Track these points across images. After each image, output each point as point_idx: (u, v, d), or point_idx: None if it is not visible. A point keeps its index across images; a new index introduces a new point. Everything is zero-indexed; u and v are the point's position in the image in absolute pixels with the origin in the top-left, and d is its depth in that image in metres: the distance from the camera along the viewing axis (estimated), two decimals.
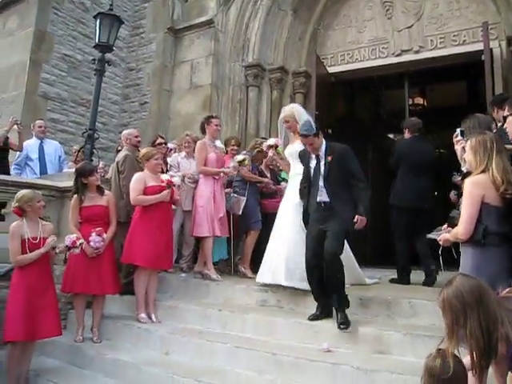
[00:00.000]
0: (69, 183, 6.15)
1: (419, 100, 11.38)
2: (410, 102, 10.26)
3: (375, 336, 4.07)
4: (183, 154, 6.27)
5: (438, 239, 3.29)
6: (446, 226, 3.43)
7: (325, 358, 3.90)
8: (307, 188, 4.69)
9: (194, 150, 6.22)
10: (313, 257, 4.44)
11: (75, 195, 5.26)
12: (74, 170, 6.56)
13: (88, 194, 5.23)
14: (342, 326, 4.17)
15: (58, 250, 4.72)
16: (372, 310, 4.53)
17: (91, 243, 5.00)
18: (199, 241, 6.00)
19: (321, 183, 4.52)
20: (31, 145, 7.52)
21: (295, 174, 5.22)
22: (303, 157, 4.77)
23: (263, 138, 7.10)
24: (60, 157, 7.79)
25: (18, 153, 7.36)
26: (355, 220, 4.31)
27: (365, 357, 3.92)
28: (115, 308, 5.52)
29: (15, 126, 6.71)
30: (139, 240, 5.11)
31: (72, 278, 5.07)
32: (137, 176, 5.38)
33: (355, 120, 10.48)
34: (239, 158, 5.99)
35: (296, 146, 5.17)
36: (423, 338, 3.85)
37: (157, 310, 5.22)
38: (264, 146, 6.12)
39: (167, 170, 6.19)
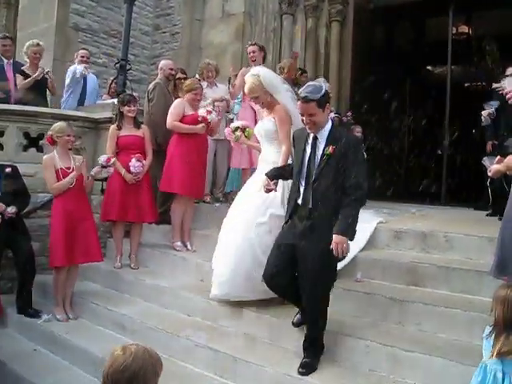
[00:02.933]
0: (103, 114, 6.20)
1: (464, 28, 10.72)
2: (454, 31, 9.67)
3: (409, 268, 4.06)
4: (205, 83, 6.17)
5: (488, 170, 3.12)
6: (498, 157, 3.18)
7: (358, 288, 3.95)
8: (285, 177, 3.68)
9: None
10: (275, 276, 3.43)
11: (113, 125, 5.31)
12: (107, 101, 6.60)
13: (126, 124, 5.27)
14: (301, 370, 3.26)
15: (93, 173, 4.84)
16: (406, 242, 4.49)
17: (131, 168, 5.08)
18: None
19: (306, 179, 3.30)
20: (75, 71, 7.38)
21: (263, 161, 4.16)
22: (299, 138, 3.45)
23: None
24: (96, 89, 7.76)
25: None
26: (332, 245, 3.08)
27: (398, 288, 3.94)
28: (152, 237, 5.67)
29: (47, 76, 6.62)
30: (177, 169, 5.19)
31: (110, 206, 5.20)
32: (176, 102, 5.44)
33: (394, 50, 10.03)
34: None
35: (266, 123, 4.11)
36: (459, 272, 3.83)
37: (192, 239, 5.33)
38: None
39: None
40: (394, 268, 4.10)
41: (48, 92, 6.98)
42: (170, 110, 5.34)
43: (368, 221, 4.63)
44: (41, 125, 6.04)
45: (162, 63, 6.41)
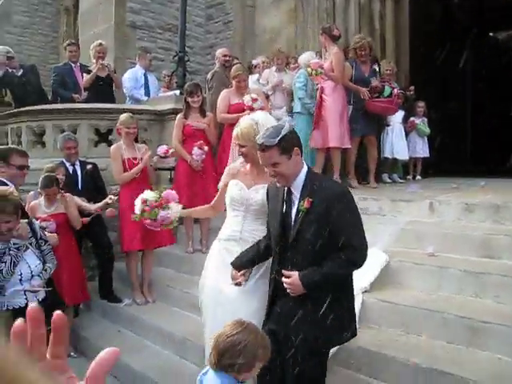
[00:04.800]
0: (166, 106, 6.42)
1: None
2: None
3: (482, 241, 3.97)
4: (274, 68, 6.22)
5: None
6: None
7: (430, 262, 3.91)
8: (256, 261, 2.95)
9: (285, 65, 6.30)
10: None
11: (180, 114, 5.50)
12: (169, 93, 6.82)
13: (192, 113, 5.43)
14: None
15: (152, 163, 5.07)
16: (478, 215, 4.39)
17: (193, 156, 5.24)
18: None
19: (282, 245, 2.66)
20: (136, 73, 7.77)
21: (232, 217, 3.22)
22: (273, 196, 2.80)
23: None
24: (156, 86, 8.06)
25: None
26: (285, 279, 2.54)
27: (472, 261, 3.87)
28: (221, 222, 5.80)
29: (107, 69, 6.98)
30: (227, 157, 5.31)
31: (178, 193, 5.39)
32: (222, 94, 5.58)
33: (452, 19, 9.67)
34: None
35: (255, 191, 3.11)
36: None
37: None
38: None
39: None
40: (467, 241, 4.02)
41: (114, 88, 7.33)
42: (217, 104, 5.49)
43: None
44: (109, 120, 6.34)
45: (217, 52, 6.63)
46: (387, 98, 5.86)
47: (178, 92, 6.59)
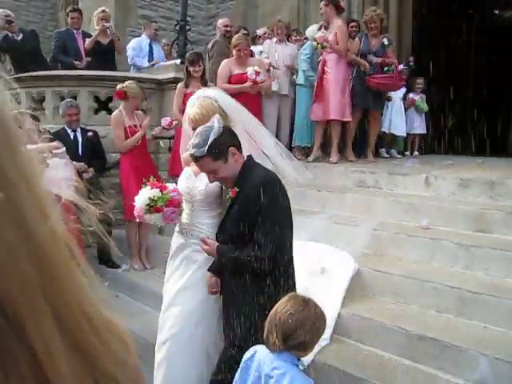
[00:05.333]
0: (167, 75, 6.40)
1: None
2: None
3: (476, 215, 4.04)
4: (275, 39, 6.19)
5: None
6: None
7: (424, 234, 3.99)
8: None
9: (286, 36, 6.25)
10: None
11: (181, 83, 5.50)
12: (170, 62, 6.79)
13: (193, 82, 5.42)
14: None
15: (154, 133, 5.11)
16: (473, 190, 4.46)
17: None
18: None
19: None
20: (141, 42, 7.74)
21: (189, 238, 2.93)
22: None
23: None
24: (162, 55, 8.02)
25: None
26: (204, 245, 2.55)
27: (465, 234, 3.95)
28: None
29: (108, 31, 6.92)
30: None
31: (176, 163, 5.42)
32: (222, 63, 5.57)
33: None
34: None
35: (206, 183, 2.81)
36: None
37: None
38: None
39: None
40: (461, 215, 4.10)
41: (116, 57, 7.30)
42: (217, 73, 5.49)
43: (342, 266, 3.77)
44: (109, 88, 6.32)
45: (218, 22, 6.62)
46: (387, 74, 5.85)
47: (178, 61, 6.57)
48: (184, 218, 2.90)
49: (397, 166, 5.61)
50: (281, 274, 2.41)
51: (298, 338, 1.79)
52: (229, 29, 6.51)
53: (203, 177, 2.71)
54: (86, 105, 6.30)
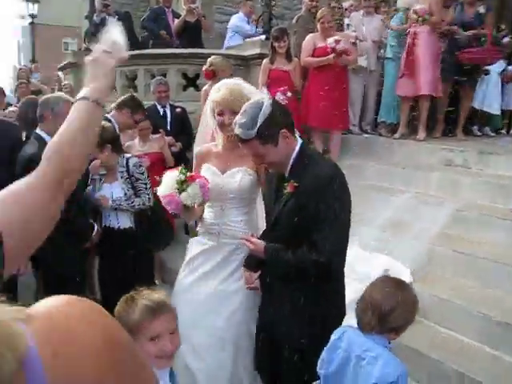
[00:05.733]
0: (253, 51, 6.47)
1: None
2: None
3: None
4: (362, 12, 6.02)
5: None
6: None
7: None
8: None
9: (374, 8, 6.07)
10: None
11: (266, 59, 5.56)
12: (255, 38, 6.85)
13: (278, 58, 5.46)
14: None
15: None
16: None
17: None
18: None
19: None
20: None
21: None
22: (270, 181, 2.44)
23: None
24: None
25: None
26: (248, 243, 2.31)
27: None
28: None
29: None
30: (312, 102, 5.37)
31: None
32: (307, 38, 5.52)
33: None
34: None
35: (240, 175, 2.62)
36: None
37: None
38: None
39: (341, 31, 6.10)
40: None
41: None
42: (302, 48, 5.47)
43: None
44: (196, 65, 6.51)
45: None
46: (480, 48, 5.49)
47: (263, 37, 6.60)
48: (210, 217, 2.66)
49: (488, 145, 5.30)
50: (334, 280, 2.23)
51: (393, 320, 1.77)
52: (314, 4, 6.39)
53: (234, 173, 2.57)
54: (174, 82, 6.56)
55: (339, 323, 2.15)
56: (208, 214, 2.67)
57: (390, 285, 1.83)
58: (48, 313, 0.58)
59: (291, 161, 2.18)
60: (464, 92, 5.80)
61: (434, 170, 4.78)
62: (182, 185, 2.44)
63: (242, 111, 2.15)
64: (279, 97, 5.26)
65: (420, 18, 5.30)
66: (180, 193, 2.43)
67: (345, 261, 2.18)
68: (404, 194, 4.57)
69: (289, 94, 5.30)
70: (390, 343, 1.84)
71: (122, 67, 6.93)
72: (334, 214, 2.04)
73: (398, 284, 1.85)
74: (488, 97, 6.27)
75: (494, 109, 6.33)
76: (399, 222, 4.24)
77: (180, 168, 2.54)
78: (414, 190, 4.61)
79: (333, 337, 1.94)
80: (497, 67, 6.33)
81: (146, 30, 7.53)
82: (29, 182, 1.04)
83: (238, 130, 2.11)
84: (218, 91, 2.58)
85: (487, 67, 6.05)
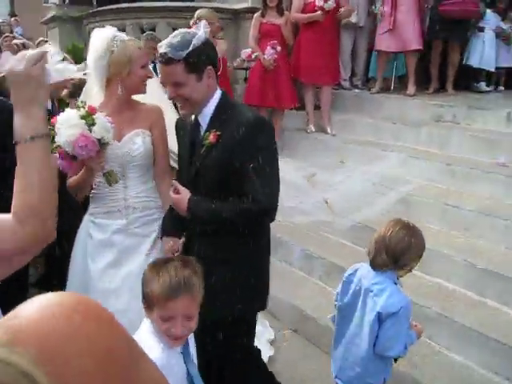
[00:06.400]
0: (242, 5, 6.38)
1: None
2: None
3: None
4: None
5: None
6: None
7: (500, 171, 3.91)
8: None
9: None
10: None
11: (257, 13, 5.50)
12: None
13: (269, 11, 5.40)
14: None
15: (235, 64, 5.18)
16: None
17: (265, 55, 5.27)
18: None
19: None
20: None
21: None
22: (182, 128, 2.25)
23: None
24: None
25: None
26: (174, 194, 2.07)
27: None
28: (293, 122, 5.89)
29: None
30: (303, 57, 5.38)
31: (251, 92, 5.54)
32: None
33: None
34: None
35: (136, 138, 2.37)
36: None
37: (331, 124, 5.51)
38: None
39: None
40: None
41: None
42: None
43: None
44: (187, 20, 6.38)
45: None
46: None
47: None
48: (110, 194, 2.36)
49: (477, 101, 5.37)
50: (262, 231, 2.14)
51: (407, 259, 1.93)
52: None
53: (132, 137, 2.32)
54: (164, 36, 6.38)
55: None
56: (103, 191, 2.35)
57: (402, 226, 1.97)
58: (34, 327, 0.49)
59: (212, 109, 2.04)
60: (451, 48, 5.80)
61: (424, 125, 4.87)
62: (88, 118, 2.07)
63: (173, 34, 2.00)
64: (269, 51, 5.25)
65: None
66: (89, 128, 2.06)
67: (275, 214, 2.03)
68: (393, 149, 4.68)
69: (278, 48, 5.27)
70: (398, 279, 2.01)
71: (110, 21, 6.80)
72: (265, 163, 1.93)
73: (409, 226, 1.99)
74: (485, 55, 6.22)
75: (490, 66, 6.29)
76: (389, 176, 4.36)
77: (76, 103, 2.29)
78: (403, 145, 4.72)
79: (347, 272, 2.13)
80: (492, 23, 6.27)
81: None
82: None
83: (165, 49, 1.92)
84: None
85: (482, 24, 6.02)
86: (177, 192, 2.04)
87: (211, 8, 5.58)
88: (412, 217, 2.78)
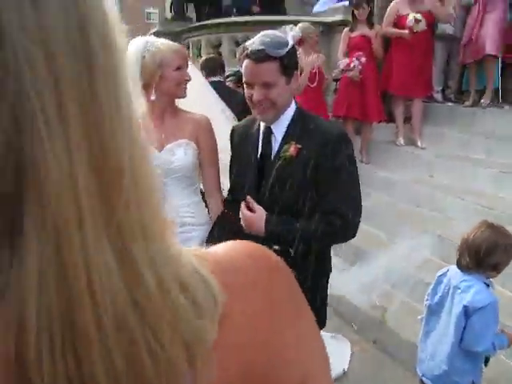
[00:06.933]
0: (335, 18, 6.51)
1: None
2: None
3: None
4: None
5: None
6: None
7: None
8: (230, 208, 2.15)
9: None
10: None
11: (346, 28, 5.62)
12: (338, 4, 6.85)
13: (358, 25, 5.49)
14: None
15: (333, 74, 5.31)
16: None
17: (350, 67, 5.35)
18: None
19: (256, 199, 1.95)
20: None
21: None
22: (243, 135, 2.07)
23: None
24: None
25: None
26: (246, 211, 1.90)
27: None
28: (382, 134, 5.87)
29: None
30: (395, 68, 5.38)
31: (338, 104, 5.65)
32: (391, 4, 5.44)
33: None
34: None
35: (178, 150, 2.21)
36: None
37: (422, 137, 5.46)
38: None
39: None
40: None
41: None
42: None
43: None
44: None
45: None
46: None
47: (346, 3, 6.59)
48: None
49: None
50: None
51: (491, 260, 1.94)
52: None
53: (173, 148, 2.17)
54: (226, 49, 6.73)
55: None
56: None
57: (486, 228, 1.98)
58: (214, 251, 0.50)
59: (289, 119, 1.91)
60: None
61: None
62: None
63: (262, 33, 1.87)
64: (354, 62, 5.32)
65: None
66: None
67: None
68: (485, 164, 4.57)
69: (363, 59, 5.30)
70: (488, 279, 2.02)
71: (207, 35, 7.22)
72: (350, 178, 1.83)
73: (495, 227, 2.00)
74: None
75: None
76: (480, 192, 4.28)
77: None
78: (496, 160, 4.59)
79: (438, 273, 2.18)
80: None
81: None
82: None
83: (260, 46, 1.78)
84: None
85: None
86: (249, 209, 1.87)
87: (307, 22, 5.75)
88: None
